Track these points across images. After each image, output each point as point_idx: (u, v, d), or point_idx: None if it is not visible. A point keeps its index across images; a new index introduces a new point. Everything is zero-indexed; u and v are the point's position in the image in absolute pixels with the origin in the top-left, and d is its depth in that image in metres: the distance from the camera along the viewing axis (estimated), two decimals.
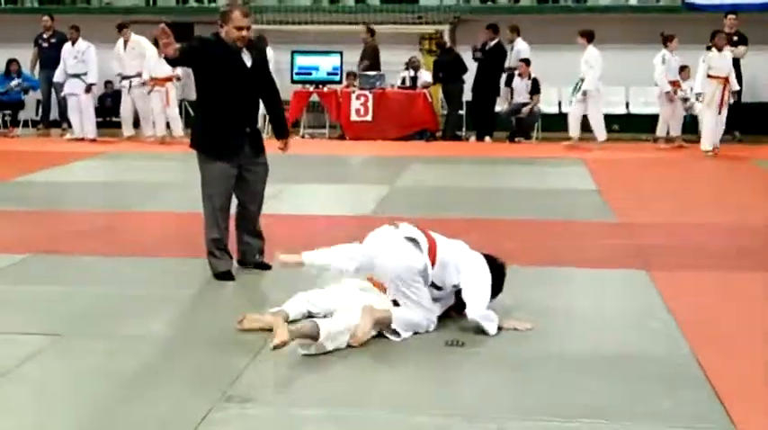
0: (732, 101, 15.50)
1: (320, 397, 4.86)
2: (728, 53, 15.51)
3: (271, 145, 7.36)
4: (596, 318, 6.25)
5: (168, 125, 17.05)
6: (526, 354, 5.48)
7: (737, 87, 15.57)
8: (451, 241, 6.06)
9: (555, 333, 5.89)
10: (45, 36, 18.34)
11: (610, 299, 6.81)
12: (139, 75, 16.96)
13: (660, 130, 16.71)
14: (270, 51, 14.68)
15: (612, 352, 5.53)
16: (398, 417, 4.57)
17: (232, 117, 7.08)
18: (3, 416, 4.59)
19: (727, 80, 15.22)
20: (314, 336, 5.34)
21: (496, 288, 6.00)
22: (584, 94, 16.09)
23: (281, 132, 7.60)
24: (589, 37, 16.19)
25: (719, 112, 15.26)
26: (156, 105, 16.93)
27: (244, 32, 6.96)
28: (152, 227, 9.41)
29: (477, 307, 5.78)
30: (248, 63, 7.05)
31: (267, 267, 7.25)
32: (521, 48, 17.47)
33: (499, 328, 5.81)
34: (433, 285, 5.86)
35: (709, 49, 15.35)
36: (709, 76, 15.19)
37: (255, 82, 7.16)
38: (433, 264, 5.79)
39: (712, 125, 15.26)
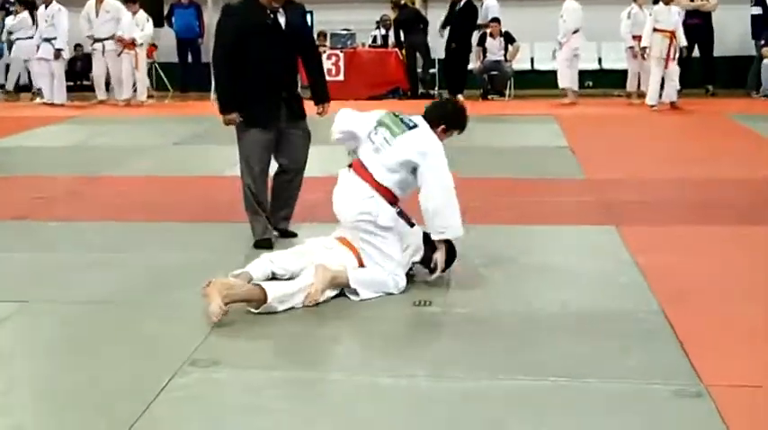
0: (678, 56, 15.31)
1: (284, 359, 4.86)
2: (676, 7, 15.44)
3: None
4: (565, 275, 6.23)
5: (135, 88, 16.91)
6: (494, 312, 5.47)
7: (684, 42, 15.39)
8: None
9: (524, 291, 5.88)
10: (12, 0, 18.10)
11: (579, 255, 6.79)
12: (113, 38, 16.77)
13: (630, 85, 16.69)
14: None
15: (581, 309, 5.51)
16: (362, 379, 4.55)
17: (267, 82, 6.81)
18: None
19: (673, 34, 15.15)
20: (260, 300, 5.34)
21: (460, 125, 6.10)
22: (561, 46, 16.06)
23: (321, 97, 7.13)
24: None
25: (666, 67, 15.19)
26: (125, 68, 16.76)
27: None
28: (120, 192, 9.31)
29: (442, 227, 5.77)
30: (282, 24, 6.77)
31: (293, 235, 7.09)
32: (490, 5, 17.36)
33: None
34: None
35: (656, 2, 15.29)
36: (655, 30, 15.15)
37: (290, 44, 6.84)
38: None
39: (657, 79, 15.26)
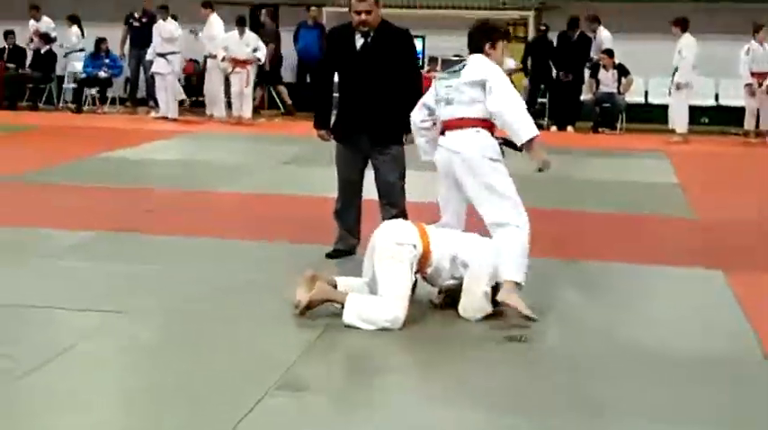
0: None
1: (374, 386, 4.85)
2: None
3: None
4: (665, 317, 6.09)
5: (240, 106, 17.16)
6: (589, 351, 5.36)
7: None
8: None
9: (621, 330, 5.75)
10: (136, 15, 18.49)
11: (681, 298, 6.63)
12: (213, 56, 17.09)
13: (747, 124, 16.31)
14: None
15: (680, 352, 5.37)
16: (451, 413, 4.48)
17: (347, 102, 7.06)
18: (58, 394, 4.60)
19: None
20: (340, 302, 5.55)
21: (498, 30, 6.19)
22: (678, 87, 15.68)
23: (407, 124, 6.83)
24: (683, 25, 15.72)
25: None
26: (234, 86, 17.01)
27: (362, 16, 6.77)
28: (226, 208, 9.42)
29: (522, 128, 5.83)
30: (358, 46, 6.87)
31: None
32: (604, 37, 17.20)
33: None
34: None
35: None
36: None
37: (379, 68, 6.87)
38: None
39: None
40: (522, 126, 5.81)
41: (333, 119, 7.30)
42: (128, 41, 18.65)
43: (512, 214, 5.84)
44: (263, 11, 18.65)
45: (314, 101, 7.46)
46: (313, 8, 18.23)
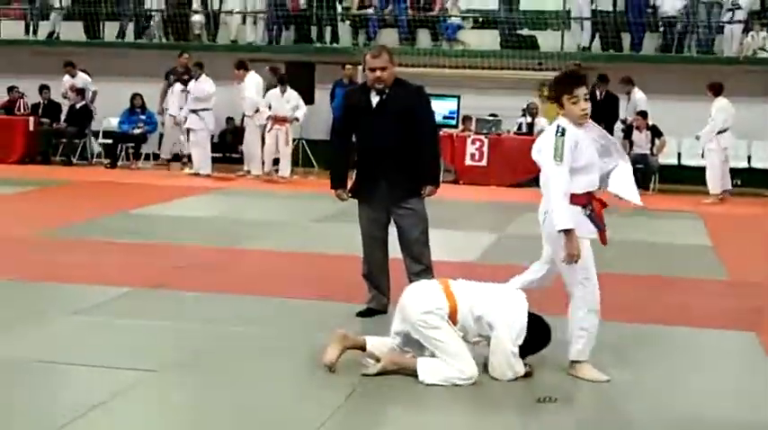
0: None
1: None
2: None
3: None
4: (699, 381, 6.03)
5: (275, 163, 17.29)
6: (621, 416, 5.30)
7: None
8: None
9: (652, 394, 5.69)
10: (179, 71, 18.68)
11: (714, 361, 6.56)
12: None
13: None
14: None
15: (712, 418, 5.31)
16: None
17: (365, 159, 7.13)
18: None
19: None
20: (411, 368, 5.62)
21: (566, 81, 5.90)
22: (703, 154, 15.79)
23: (424, 178, 7.14)
24: (716, 90, 15.86)
25: None
26: (271, 144, 17.13)
27: (377, 73, 6.88)
28: (256, 265, 9.44)
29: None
30: (374, 103, 6.96)
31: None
32: (638, 98, 17.22)
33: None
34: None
35: None
36: None
37: (394, 124, 6.94)
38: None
39: None
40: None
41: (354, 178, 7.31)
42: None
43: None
44: (267, 67, 18.63)
45: (329, 160, 7.56)
46: (348, 66, 18.37)
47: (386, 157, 6.99)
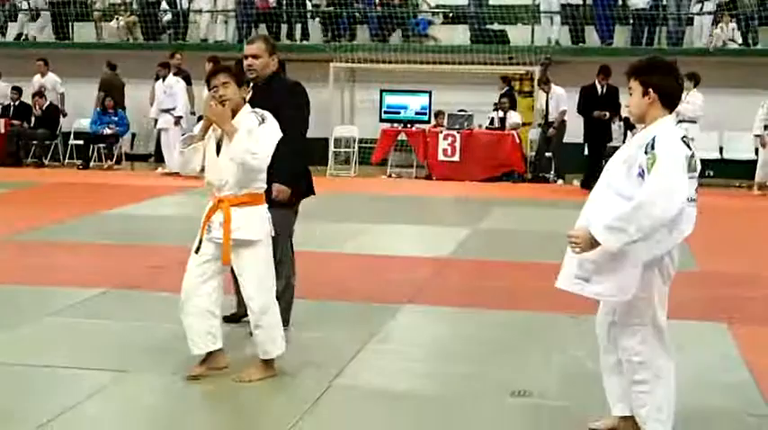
0: None
1: None
2: None
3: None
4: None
5: None
6: (592, 407, 5.34)
7: None
8: None
9: None
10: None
11: (684, 351, 6.57)
12: None
13: (758, 176, 16.40)
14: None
15: (683, 406, 5.34)
16: None
17: None
18: None
19: None
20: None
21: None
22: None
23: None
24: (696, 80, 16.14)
25: None
26: None
27: (248, 60, 6.39)
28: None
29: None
30: (260, 99, 6.05)
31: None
32: None
33: None
34: None
35: None
36: None
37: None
38: None
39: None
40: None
41: None
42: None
43: None
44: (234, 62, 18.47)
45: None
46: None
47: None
